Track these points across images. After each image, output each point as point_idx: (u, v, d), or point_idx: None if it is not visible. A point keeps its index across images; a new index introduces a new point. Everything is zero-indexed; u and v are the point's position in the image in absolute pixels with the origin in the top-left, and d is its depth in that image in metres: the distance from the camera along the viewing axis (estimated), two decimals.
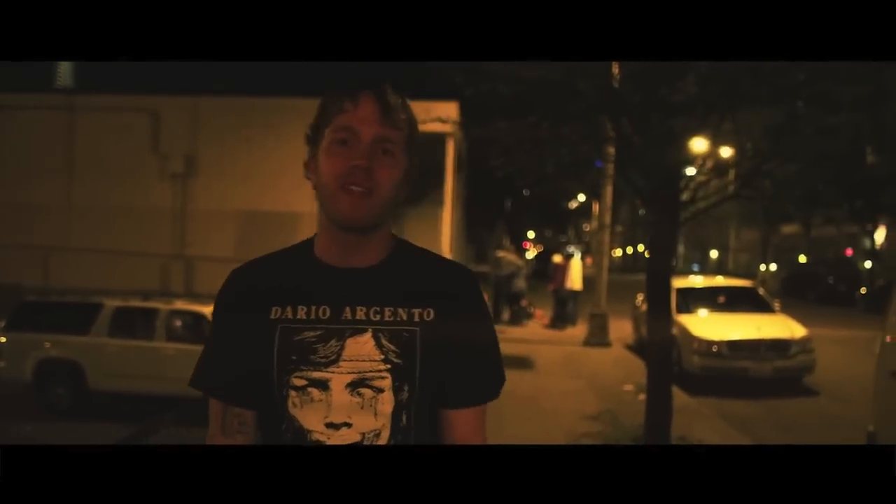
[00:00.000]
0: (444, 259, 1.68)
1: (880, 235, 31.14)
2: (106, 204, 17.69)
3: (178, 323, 10.06)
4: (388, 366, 1.52)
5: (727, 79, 5.48)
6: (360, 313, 1.54)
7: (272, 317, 1.55)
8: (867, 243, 31.49)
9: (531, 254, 41.93)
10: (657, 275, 6.63)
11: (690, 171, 9.19)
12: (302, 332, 1.53)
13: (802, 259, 36.20)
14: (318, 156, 1.55)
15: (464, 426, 1.60)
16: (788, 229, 44.39)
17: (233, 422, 1.59)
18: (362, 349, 1.52)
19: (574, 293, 17.96)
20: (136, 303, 10.51)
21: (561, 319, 17.82)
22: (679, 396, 9.44)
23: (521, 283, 18.67)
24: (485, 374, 1.63)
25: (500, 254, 19.12)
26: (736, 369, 10.59)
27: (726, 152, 7.25)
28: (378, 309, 1.54)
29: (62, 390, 10.01)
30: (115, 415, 9.21)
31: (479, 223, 29.56)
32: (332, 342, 1.52)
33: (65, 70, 26.46)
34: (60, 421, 9.23)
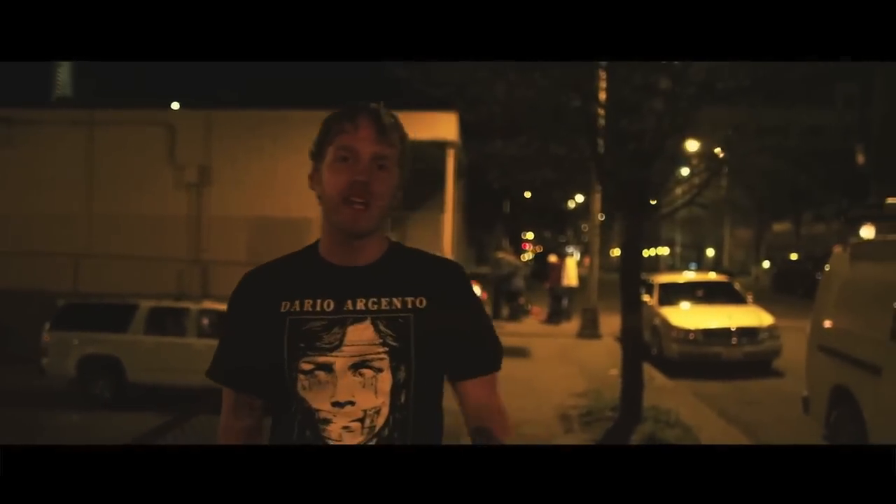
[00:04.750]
0: (433, 255, 1.87)
1: (868, 232, 32.07)
2: (125, 213, 18.21)
3: (207, 321, 11.01)
4: (386, 348, 1.69)
5: (677, 115, 6.66)
6: (360, 304, 1.71)
7: (281, 310, 1.72)
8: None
9: (529, 255, 42.96)
10: (629, 268, 7.76)
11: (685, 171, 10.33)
12: (308, 322, 1.70)
13: (794, 256, 37.18)
14: (321, 170, 1.73)
15: (476, 394, 1.80)
16: (780, 227, 45.49)
17: (244, 406, 1.78)
18: (362, 335, 1.69)
19: (569, 290, 19.07)
20: (169, 303, 11.51)
21: (556, 315, 18.89)
22: (659, 379, 10.59)
23: (519, 283, 19.74)
24: (481, 347, 1.83)
25: (500, 255, 20.17)
26: (710, 354, 11.75)
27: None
28: (376, 300, 1.72)
29: (103, 383, 10.91)
30: (152, 405, 10.00)
31: (479, 226, 30.39)
32: (335, 330, 1.69)
33: (63, 80, 26.75)
34: (102, 411, 10.17)
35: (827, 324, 6.46)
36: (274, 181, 18.02)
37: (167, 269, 18.04)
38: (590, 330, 15.80)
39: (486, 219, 31.02)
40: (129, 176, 18.24)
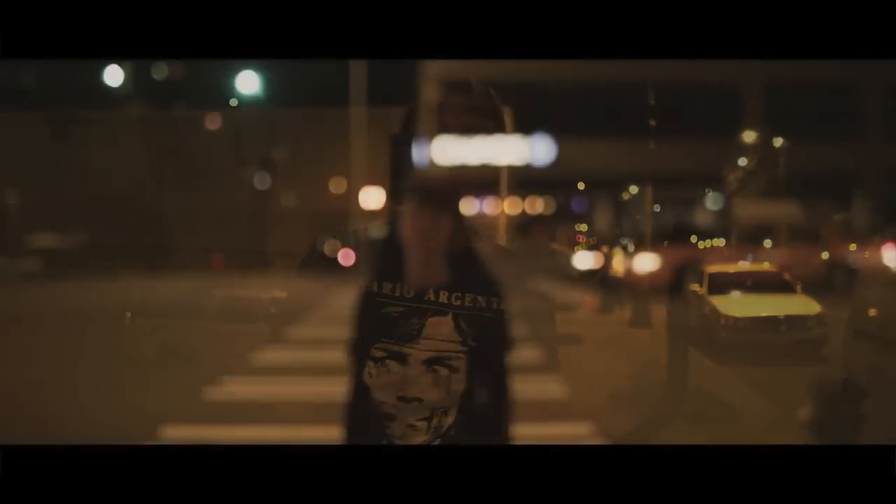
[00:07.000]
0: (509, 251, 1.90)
1: None
2: (193, 206, 19.14)
3: (276, 310, 11.66)
4: (465, 348, 1.63)
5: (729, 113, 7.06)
6: (443, 296, 1.63)
7: (367, 289, 1.65)
8: None
9: (583, 246, 43.16)
10: (677, 258, 8.20)
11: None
12: (386, 306, 1.62)
13: (853, 247, 36.66)
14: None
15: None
16: (840, 219, 44.74)
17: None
18: (442, 330, 1.62)
19: (619, 280, 19.45)
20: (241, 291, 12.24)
21: (608, 304, 19.28)
22: (707, 364, 10.98)
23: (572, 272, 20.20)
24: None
25: (554, 246, 20.63)
26: (758, 341, 12.06)
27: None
28: (459, 294, 1.65)
29: None
30: None
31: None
32: (414, 320, 1.61)
33: (125, 76, 27.52)
34: None
35: (866, 310, 6.84)
36: (335, 176, 18.65)
37: (231, 260, 18.74)
38: (641, 318, 16.16)
39: None
40: (196, 171, 19.08)
